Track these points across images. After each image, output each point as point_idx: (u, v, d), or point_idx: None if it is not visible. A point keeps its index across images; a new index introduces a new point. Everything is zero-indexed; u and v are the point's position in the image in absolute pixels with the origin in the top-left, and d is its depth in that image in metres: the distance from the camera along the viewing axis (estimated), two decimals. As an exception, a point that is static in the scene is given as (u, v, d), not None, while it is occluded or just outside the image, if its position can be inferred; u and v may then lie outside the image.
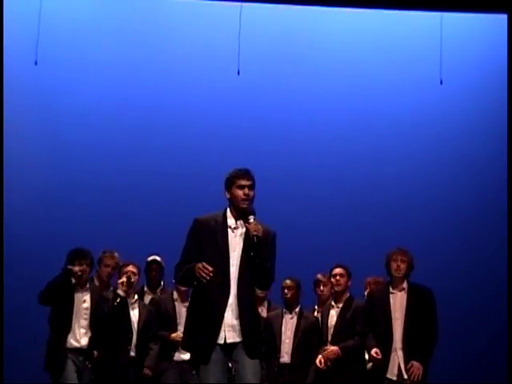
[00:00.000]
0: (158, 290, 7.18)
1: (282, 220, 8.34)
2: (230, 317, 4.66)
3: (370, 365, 6.28)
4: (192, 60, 8.97)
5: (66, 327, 6.24)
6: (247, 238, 4.69)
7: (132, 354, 6.46)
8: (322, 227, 8.60)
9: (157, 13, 9.01)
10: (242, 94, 8.92)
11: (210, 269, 4.51)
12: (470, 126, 8.95)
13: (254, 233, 4.63)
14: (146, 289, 7.15)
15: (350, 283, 6.72)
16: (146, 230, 8.42)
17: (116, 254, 6.80)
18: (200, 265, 4.52)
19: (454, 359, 8.06)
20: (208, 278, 4.52)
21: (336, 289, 6.67)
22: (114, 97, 8.90)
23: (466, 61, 9.04)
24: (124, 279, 6.45)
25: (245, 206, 4.72)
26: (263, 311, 7.02)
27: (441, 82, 8.76)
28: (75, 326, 6.27)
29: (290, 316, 6.78)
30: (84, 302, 6.36)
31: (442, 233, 8.71)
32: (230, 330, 4.65)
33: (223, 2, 8.70)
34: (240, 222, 4.75)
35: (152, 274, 7.11)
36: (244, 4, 8.72)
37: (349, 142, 8.94)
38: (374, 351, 6.07)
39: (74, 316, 6.27)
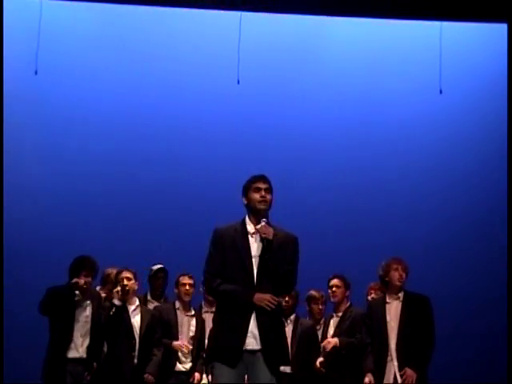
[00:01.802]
0: (162, 299, 7.15)
1: (282, 225, 8.44)
2: (252, 323, 4.67)
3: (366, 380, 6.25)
4: (192, 68, 8.98)
5: (67, 339, 6.20)
6: (265, 248, 4.72)
7: (135, 360, 6.40)
8: (321, 233, 8.59)
9: (156, 22, 9.02)
10: (241, 102, 8.93)
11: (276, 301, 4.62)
12: (469, 135, 8.95)
13: (264, 235, 4.68)
14: (149, 297, 7.11)
15: (347, 293, 6.71)
16: (145, 236, 8.42)
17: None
18: (269, 297, 4.59)
19: (452, 365, 8.04)
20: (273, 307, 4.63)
21: (332, 300, 6.71)
22: (114, 105, 8.91)
23: (466, 70, 9.05)
24: (118, 288, 6.40)
25: (262, 206, 4.78)
26: (289, 326, 6.87)
27: (440, 92, 8.77)
28: (76, 335, 6.25)
29: (286, 324, 6.75)
30: (84, 310, 6.34)
31: (441, 239, 8.71)
32: (250, 337, 4.67)
33: (223, 11, 8.71)
34: (262, 222, 4.77)
35: (158, 282, 7.08)
36: (244, 13, 8.73)
37: (348, 149, 8.94)
38: (367, 381, 6.09)
39: (75, 325, 6.25)
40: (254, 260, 4.73)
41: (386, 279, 6.26)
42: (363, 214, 8.72)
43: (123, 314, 6.41)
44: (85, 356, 6.25)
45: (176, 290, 6.86)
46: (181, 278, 6.77)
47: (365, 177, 8.86)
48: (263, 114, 8.95)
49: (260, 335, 4.64)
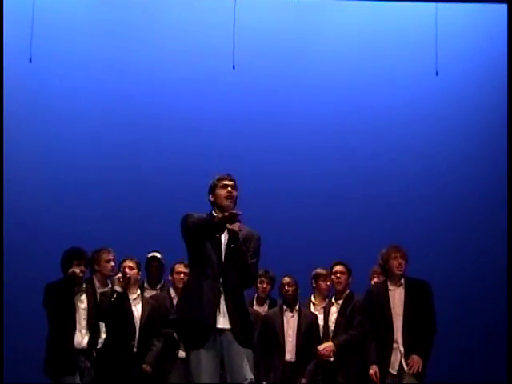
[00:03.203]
0: (158, 287, 7.15)
1: (278, 215, 8.44)
2: (222, 303, 4.84)
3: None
4: (187, 54, 8.93)
5: (72, 330, 6.23)
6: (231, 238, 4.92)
7: (134, 349, 6.41)
8: (319, 221, 8.59)
9: (151, 8, 8.97)
10: (237, 88, 8.89)
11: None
12: (467, 118, 8.92)
13: (231, 226, 4.84)
14: (146, 285, 7.13)
15: (350, 280, 6.73)
16: (144, 226, 8.40)
17: (110, 249, 6.74)
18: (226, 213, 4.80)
19: (454, 351, 8.07)
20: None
21: (337, 287, 6.71)
22: (109, 93, 8.87)
23: (462, 52, 9.01)
24: (119, 275, 6.42)
25: (228, 203, 4.98)
26: (265, 308, 7.03)
27: (436, 74, 8.74)
28: (78, 327, 6.27)
29: (291, 314, 6.78)
30: (81, 302, 6.35)
31: (440, 224, 8.69)
32: (219, 315, 4.84)
33: (217, -4, 8.69)
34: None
35: (152, 270, 7.09)
36: (238, -3, 8.70)
37: (345, 134, 8.92)
38: (372, 371, 6.13)
39: (76, 317, 6.27)
40: (222, 249, 4.93)
41: (386, 267, 6.27)
42: (362, 201, 8.71)
43: (124, 301, 6.43)
44: (86, 347, 6.28)
45: (171, 278, 6.87)
46: (176, 266, 6.78)
47: (363, 163, 8.84)
48: (259, 100, 8.91)
49: (229, 314, 4.82)
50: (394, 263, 6.21)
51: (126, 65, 8.89)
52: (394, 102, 8.94)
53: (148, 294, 6.99)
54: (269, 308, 7.08)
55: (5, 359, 7.48)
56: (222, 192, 5.01)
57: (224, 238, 4.95)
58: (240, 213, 4.83)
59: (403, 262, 6.22)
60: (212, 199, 5.07)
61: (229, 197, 4.99)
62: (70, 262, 6.28)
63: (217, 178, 5.10)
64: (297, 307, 6.81)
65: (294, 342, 6.67)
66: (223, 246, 4.93)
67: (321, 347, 6.51)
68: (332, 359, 6.50)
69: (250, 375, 4.75)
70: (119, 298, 6.37)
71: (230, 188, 5.01)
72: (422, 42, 8.90)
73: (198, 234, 4.87)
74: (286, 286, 6.79)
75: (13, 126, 8.52)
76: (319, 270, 6.96)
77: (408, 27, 9.04)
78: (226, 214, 4.80)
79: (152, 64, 8.90)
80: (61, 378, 6.18)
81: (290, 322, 6.74)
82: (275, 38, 8.99)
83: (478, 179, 8.75)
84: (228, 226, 4.85)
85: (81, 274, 6.24)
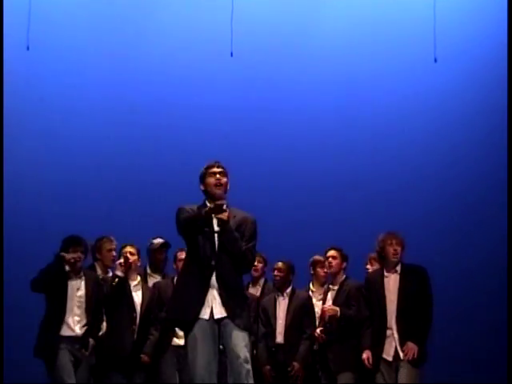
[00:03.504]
0: (162, 274, 7.13)
1: (276, 199, 8.44)
2: (215, 293, 4.91)
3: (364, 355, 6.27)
4: (184, 41, 8.93)
5: (60, 314, 6.19)
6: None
7: (135, 336, 6.45)
8: (318, 208, 8.59)
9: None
10: (235, 75, 8.86)
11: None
12: (465, 103, 8.90)
13: (218, 216, 4.92)
14: (149, 271, 7.09)
15: (344, 265, 6.73)
16: (145, 214, 8.41)
17: (112, 238, 6.78)
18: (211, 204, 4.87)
19: (452, 339, 8.07)
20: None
21: (329, 271, 6.75)
22: (107, 79, 8.86)
23: (461, 38, 8.97)
24: (121, 260, 6.45)
25: (218, 191, 5.01)
26: (258, 291, 7.07)
27: (435, 60, 8.71)
28: (69, 313, 6.22)
29: (282, 297, 6.86)
30: (78, 289, 6.31)
31: (440, 212, 8.69)
32: (215, 307, 4.91)
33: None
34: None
35: (161, 256, 7.04)
36: (236, -16, 8.66)
37: (344, 121, 8.91)
38: (365, 356, 6.14)
39: (67, 303, 6.23)
40: (215, 239, 4.97)
41: (383, 254, 6.27)
42: (359, 187, 8.70)
43: (125, 286, 6.46)
44: (80, 334, 6.24)
45: (174, 266, 6.86)
46: (179, 254, 6.76)
47: (360, 149, 8.83)
48: (257, 87, 8.90)
49: (223, 304, 4.89)
50: (390, 250, 6.20)
51: (123, 51, 8.87)
52: (392, 90, 8.93)
53: (152, 280, 6.99)
54: (262, 289, 7.11)
55: (5, 359, 7.46)
56: (211, 180, 5.04)
57: (216, 228, 4.98)
58: (223, 202, 4.88)
59: (399, 249, 6.21)
60: (203, 188, 5.11)
61: (218, 184, 5.03)
62: (66, 248, 6.28)
63: (205, 166, 5.14)
64: (288, 290, 6.84)
65: (283, 324, 6.72)
66: (216, 236, 4.97)
67: (325, 305, 6.53)
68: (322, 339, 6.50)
69: (245, 354, 4.81)
70: (120, 282, 6.41)
71: (218, 175, 5.05)
72: (420, 28, 8.87)
73: (188, 228, 4.95)
74: (276, 271, 6.86)
75: (10, 113, 8.50)
76: (317, 257, 6.99)
77: (407, 14, 9.02)
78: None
79: (149, 50, 8.88)
80: (48, 361, 6.17)
81: (281, 306, 6.81)
82: (274, 24, 8.98)
83: (479, 167, 8.73)
84: (216, 215, 4.90)
85: (72, 260, 6.21)
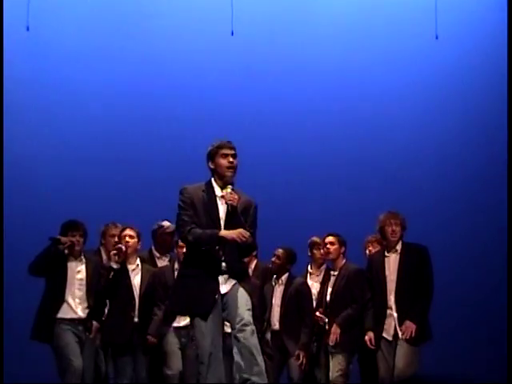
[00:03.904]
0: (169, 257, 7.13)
1: (276, 185, 8.43)
2: (222, 277, 4.93)
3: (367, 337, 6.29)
4: (185, 20, 8.89)
5: (58, 297, 6.21)
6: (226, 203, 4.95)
7: (135, 319, 6.47)
8: (318, 188, 8.58)
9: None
10: (236, 54, 8.82)
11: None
12: (466, 81, 8.86)
13: (229, 202, 4.87)
14: (157, 254, 7.07)
15: (343, 250, 6.70)
16: (145, 195, 8.41)
17: (118, 224, 6.79)
18: (240, 230, 4.82)
19: (452, 314, 8.08)
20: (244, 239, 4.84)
21: (328, 257, 6.72)
22: (107, 59, 8.82)
23: (463, 15, 8.94)
24: (114, 251, 6.43)
25: (230, 173, 4.94)
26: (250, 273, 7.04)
27: (436, 37, 8.67)
28: (69, 296, 6.24)
29: (278, 285, 6.86)
30: (78, 272, 6.33)
31: (440, 189, 8.68)
32: (222, 284, 4.94)
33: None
34: (228, 188, 4.95)
35: (172, 239, 6.94)
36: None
37: (344, 100, 8.86)
38: (367, 337, 6.18)
39: (67, 287, 6.25)
40: (222, 222, 4.94)
41: (382, 234, 6.28)
42: (359, 168, 8.68)
43: (122, 277, 6.46)
44: (83, 316, 6.27)
45: (176, 251, 6.85)
46: (179, 240, 6.76)
47: (361, 128, 8.80)
48: (257, 66, 8.85)
49: (234, 277, 4.93)
50: (389, 229, 6.20)
51: (123, 30, 8.85)
52: (393, 67, 8.88)
53: (161, 263, 6.99)
54: (254, 270, 7.05)
55: (5, 358, 7.47)
56: (223, 162, 4.94)
57: (223, 210, 4.95)
58: (235, 198, 4.84)
59: (398, 229, 6.20)
60: (212, 167, 5.01)
61: (230, 167, 4.94)
62: (64, 232, 6.31)
63: (216, 144, 5.00)
64: (283, 277, 6.84)
65: (278, 311, 6.74)
66: (222, 221, 4.94)
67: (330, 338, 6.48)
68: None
69: (248, 317, 4.84)
70: (116, 274, 6.41)
71: (231, 158, 4.94)
72: (421, 5, 8.82)
73: (197, 246, 4.93)
74: (274, 258, 6.85)
75: (9, 95, 8.47)
76: (314, 239, 6.97)
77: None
78: (232, 237, 4.80)
79: (149, 29, 8.85)
80: (56, 347, 6.20)
81: (278, 293, 6.81)
82: (274, 3, 8.92)
83: (478, 144, 8.71)
84: (227, 200, 4.86)
85: (69, 243, 6.23)
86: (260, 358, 4.81)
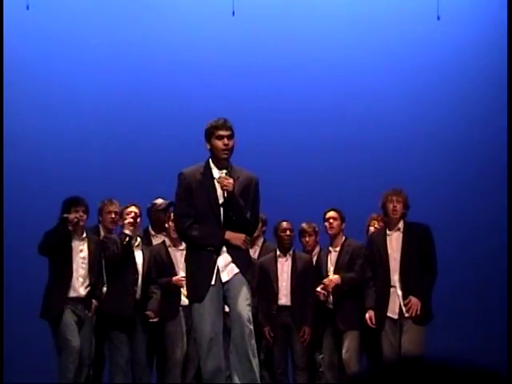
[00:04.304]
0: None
1: (278, 161, 8.42)
2: (222, 259, 4.91)
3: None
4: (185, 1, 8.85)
5: (66, 276, 6.25)
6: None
7: (137, 296, 6.51)
8: (319, 167, 8.56)
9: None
10: (237, 35, 8.78)
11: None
12: (468, 61, 8.82)
13: (224, 188, 4.86)
14: (153, 232, 7.11)
15: (343, 226, 6.70)
16: (142, 174, 8.40)
17: (115, 201, 6.80)
18: (243, 236, 4.91)
19: (454, 291, 8.09)
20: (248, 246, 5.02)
21: (329, 232, 6.69)
22: (108, 39, 8.77)
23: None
24: (131, 220, 6.47)
25: (225, 156, 4.92)
26: (256, 251, 7.02)
27: (438, 18, 8.63)
28: (74, 275, 6.28)
29: (285, 259, 6.81)
30: (81, 251, 6.36)
31: (441, 168, 8.65)
32: (223, 271, 4.91)
33: None
34: (222, 173, 4.95)
35: (166, 216, 6.99)
36: None
37: (345, 80, 8.82)
38: (368, 316, 6.16)
39: (73, 265, 6.29)
40: (220, 203, 4.93)
41: (384, 211, 6.28)
42: (362, 147, 8.65)
43: (132, 246, 6.51)
44: (84, 295, 6.31)
45: (167, 225, 6.87)
46: (171, 215, 6.76)
47: (363, 108, 8.77)
48: (259, 47, 8.80)
49: (237, 264, 4.91)
50: (389, 206, 6.19)
51: (125, 10, 8.79)
52: (394, 47, 8.84)
53: (157, 240, 7.02)
54: (260, 250, 7.08)
55: (5, 358, 7.46)
56: (218, 144, 4.91)
57: (220, 194, 4.93)
58: (230, 183, 4.84)
59: (398, 206, 6.18)
60: (208, 147, 4.99)
61: (225, 150, 4.90)
62: (67, 209, 6.31)
63: (212, 124, 4.98)
64: (290, 252, 6.82)
65: (289, 286, 6.71)
66: (221, 202, 4.93)
67: (326, 279, 6.51)
68: (324, 297, 6.51)
69: (248, 313, 4.84)
70: (130, 241, 6.45)
71: (226, 140, 4.91)
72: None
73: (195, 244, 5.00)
74: (288, 232, 6.79)
75: (9, 74, 8.44)
76: (302, 225, 6.92)
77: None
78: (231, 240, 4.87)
79: (149, 9, 8.80)
80: (54, 323, 6.23)
81: (284, 267, 6.77)
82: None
83: (479, 125, 8.68)
84: (222, 186, 4.85)
85: (75, 220, 6.25)
86: (255, 363, 4.85)
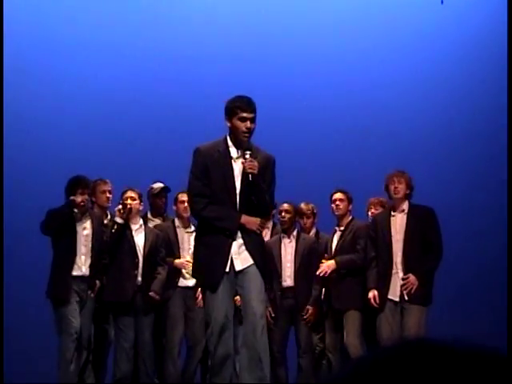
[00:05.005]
0: (162, 217, 7.15)
1: (283, 143, 8.41)
2: (236, 245, 4.76)
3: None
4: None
5: (70, 255, 6.22)
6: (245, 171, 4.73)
7: (139, 278, 6.47)
8: (324, 150, 8.56)
9: None
10: (240, 30, 8.74)
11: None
12: (471, 45, 8.80)
13: (249, 170, 4.66)
14: (150, 216, 7.10)
15: (350, 207, 6.70)
16: (146, 155, 8.40)
17: (107, 180, 6.74)
18: (259, 221, 4.72)
19: (457, 274, 8.10)
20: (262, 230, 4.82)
21: (336, 213, 6.67)
22: (110, 21, 8.74)
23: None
24: (120, 206, 6.42)
25: (245, 139, 4.70)
26: (267, 234, 7.01)
27: (442, 2, 8.61)
28: (78, 253, 6.25)
29: (289, 240, 6.80)
30: (84, 229, 6.33)
31: (443, 152, 8.66)
32: (236, 258, 4.76)
33: None
34: (240, 152, 4.76)
35: (161, 200, 7.04)
36: None
37: (349, 64, 8.80)
38: (371, 295, 6.14)
39: (77, 244, 6.25)
40: (237, 183, 4.75)
41: (388, 192, 6.29)
42: (365, 130, 8.65)
43: (126, 232, 6.45)
44: (87, 274, 6.28)
45: (175, 207, 6.85)
46: (179, 196, 6.74)
47: (366, 91, 8.75)
48: (261, 32, 8.76)
49: (250, 252, 4.75)
50: (391, 187, 6.19)
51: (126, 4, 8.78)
52: (398, 31, 8.82)
53: (152, 224, 7.01)
54: (271, 233, 7.08)
55: (5, 358, 7.46)
56: (240, 125, 4.68)
57: (238, 171, 4.77)
58: (255, 168, 4.65)
59: (401, 187, 6.15)
60: (228, 125, 4.76)
61: (247, 132, 4.69)
62: (74, 189, 6.25)
63: (236, 103, 4.70)
64: (294, 233, 6.81)
65: (293, 267, 6.72)
66: (237, 183, 4.76)
67: (322, 266, 6.51)
68: (328, 274, 6.50)
69: (261, 309, 4.74)
70: (120, 229, 6.40)
71: (248, 123, 4.68)
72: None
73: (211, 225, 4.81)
74: (283, 213, 6.77)
75: (12, 63, 8.42)
76: (300, 206, 6.90)
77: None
78: (250, 226, 4.71)
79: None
80: (58, 304, 6.21)
81: (288, 248, 6.76)
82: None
83: (480, 106, 8.67)
84: (247, 169, 4.64)
85: (82, 203, 6.22)
86: (266, 360, 4.74)
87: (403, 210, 6.21)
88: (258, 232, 4.76)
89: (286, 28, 8.77)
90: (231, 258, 4.74)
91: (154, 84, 8.70)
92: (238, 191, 4.75)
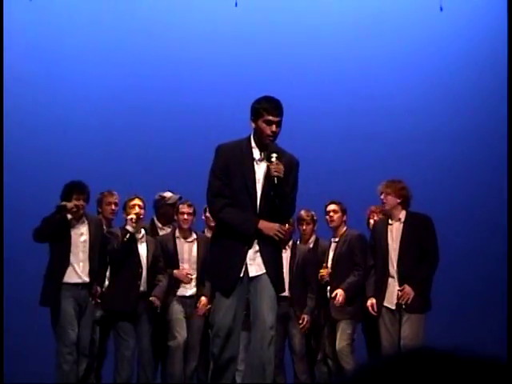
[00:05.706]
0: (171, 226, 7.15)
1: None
2: (252, 251, 4.67)
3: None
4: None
5: (64, 262, 6.14)
6: (269, 174, 4.61)
7: (142, 288, 6.47)
8: (325, 158, 8.56)
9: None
10: (239, 26, 8.76)
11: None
12: (470, 53, 8.82)
13: (275, 173, 4.53)
14: (159, 224, 7.08)
15: (345, 218, 6.72)
16: (150, 165, 8.41)
17: (114, 192, 6.76)
18: (277, 227, 4.59)
19: (454, 283, 8.11)
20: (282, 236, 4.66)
21: (330, 225, 6.72)
22: (111, 28, 8.74)
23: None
24: (133, 216, 6.40)
25: (268, 142, 4.59)
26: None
27: (441, 9, 8.62)
28: (73, 260, 6.17)
29: (284, 251, 6.81)
30: (81, 235, 6.26)
31: (441, 157, 8.65)
32: (251, 264, 4.66)
33: None
34: (264, 154, 4.66)
35: (173, 210, 6.96)
36: None
37: (347, 71, 8.81)
38: (369, 304, 6.18)
39: (71, 251, 6.18)
40: (258, 186, 4.64)
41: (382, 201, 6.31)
42: (365, 137, 8.65)
43: (135, 242, 6.46)
44: (87, 280, 6.22)
45: (176, 218, 6.88)
46: (180, 206, 6.77)
47: (365, 98, 8.76)
48: (261, 37, 8.79)
49: (263, 260, 4.65)
50: (381, 197, 6.23)
51: (125, 5, 8.79)
52: (397, 38, 8.82)
53: (163, 232, 7.01)
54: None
55: (5, 358, 7.46)
56: (265, 128, 4.55)
57: (260, 173, 4.67)
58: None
59: (388, 197, 6.14)
60: (253, 126, 4.64)
61: (271, 136, 4.59)
62: (69, 194, 6.20)
63: (263, 105, 4.59)
64: (290, 243, 6.81)
65: (288, 278, 6.74)
66: (258, 185, 4.65)
67: (335, 300, 6.50)
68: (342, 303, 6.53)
69: (272, 319, 4.63)
70: (132, 238, 6.40)
71: (274, 127, 4.56)
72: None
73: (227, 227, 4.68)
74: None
75: (11, 64, 8.44)
76: (302, 213, 6.89)
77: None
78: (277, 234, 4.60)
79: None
80: (53, 310, 6.15)
81: (283, 259, 6.76)
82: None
83: (480, 112, 8.67)
84: (273, 172, 4.52)
85: (74, 209, 6.14)
86: (269, 371, 4.62)
87: (399, 219, 6.22)
88: (277, 238, 4.62)
89: (285, 36, 8.78)
90: (246, 263, 4.64)
91: (155, 90, 8.70)
92: (259, 194, 4.64)
